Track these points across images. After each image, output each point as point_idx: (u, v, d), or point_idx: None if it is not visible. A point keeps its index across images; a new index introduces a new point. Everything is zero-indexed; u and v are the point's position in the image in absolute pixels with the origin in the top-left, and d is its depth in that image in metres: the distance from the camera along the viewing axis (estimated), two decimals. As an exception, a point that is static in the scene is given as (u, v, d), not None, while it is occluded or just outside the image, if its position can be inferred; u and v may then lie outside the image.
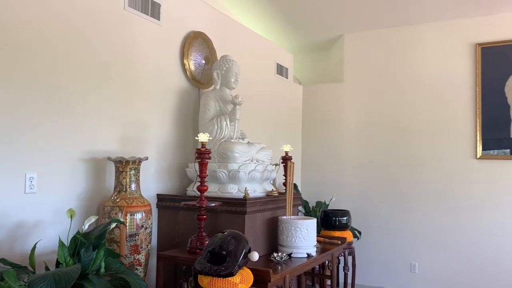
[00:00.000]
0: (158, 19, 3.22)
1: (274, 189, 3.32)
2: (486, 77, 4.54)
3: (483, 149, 4.52)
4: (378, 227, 4.94)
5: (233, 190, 3.01)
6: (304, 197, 5.16)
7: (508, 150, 4.42)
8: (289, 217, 3.08)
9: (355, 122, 5.17)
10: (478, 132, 4.54)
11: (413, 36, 4.92)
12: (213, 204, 2.74)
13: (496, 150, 4.47)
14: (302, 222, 2.95)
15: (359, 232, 4.70)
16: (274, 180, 3.79)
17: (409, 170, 4.84)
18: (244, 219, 2.81)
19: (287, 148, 3.54)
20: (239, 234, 2.32)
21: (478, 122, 4.54)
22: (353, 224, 4.71)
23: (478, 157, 4.53)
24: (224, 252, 2.21)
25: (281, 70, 4.99)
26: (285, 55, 5.14)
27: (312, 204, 5.01)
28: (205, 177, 2.72)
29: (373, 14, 4.72)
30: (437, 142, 4.73)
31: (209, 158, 2.71)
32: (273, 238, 3.10)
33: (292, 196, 3.14)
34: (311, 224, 2.98)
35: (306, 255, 2.94)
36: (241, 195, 2.94)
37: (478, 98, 4.56)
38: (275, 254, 2.83)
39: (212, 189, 3.02)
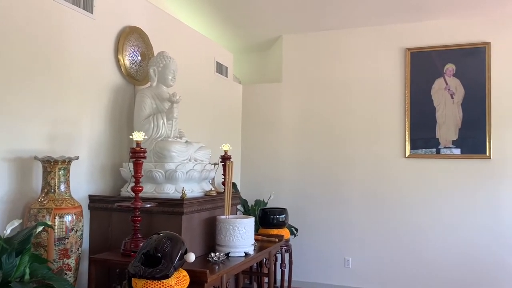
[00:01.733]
0: (91, 12, 3.08)
1: (213, 189, 3.30)
2: (414, 80, 4.80)
3: (412, 148, 4.78)
4: (314, 224, 5.07)
5: (170, 191, 2.94)
6: (244, 195, 5.17)
7: (434, 149, 4.70)
8: (227, 216, 3.07)
9: (293, 122, 5.27)
10: (407, 132, 4.80)
11: (348, 40, 5.09)
12: (148, 205, 2.66)
13: (423, 149, 4.74)
14: (240, 221, 2.95)
15: (296, 229, 4.80)
16: (213, 179, 3.77)
17: (344, 169, 5.02)
18: (181, 219, 2.77)
19: (226, 147, 3.52)
20: (175, 236, 2.27)
21: (407, 123, 4.80)
22: (290, 221, 4.78)
23: (407, 156, 4.79)
24: (159, 254, 2.16)
25: (220, 69, 4.97)
26: (225, 54, 5.12)
27: (251, 202, 5.04)
28: (140, 177, 2.64)
29: (311, 17, 4.83)
30: (369, 141, 4.94)
31: (144, 157, 2.63)
32: (211, 238, 3.08)
33: (230, 196, 3.13)
34: (249, 223, 2.99)
35: (243, 254, 2.95)
36: (178, 195, 2.89)
37: (407, 100, 4.81)
38: (212, 254, 2.81)
39: (148, 190, 2.94)
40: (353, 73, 5.06)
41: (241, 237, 2.92)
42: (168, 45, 3.80)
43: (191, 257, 2.22)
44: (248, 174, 5.41)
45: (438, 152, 4.69)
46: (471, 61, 4.61)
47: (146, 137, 2.85)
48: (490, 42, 4.53)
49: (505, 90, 4.48)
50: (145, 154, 2.67)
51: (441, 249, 4.61)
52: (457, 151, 4.62)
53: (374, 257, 4.84)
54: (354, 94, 5.03)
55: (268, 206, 4.93)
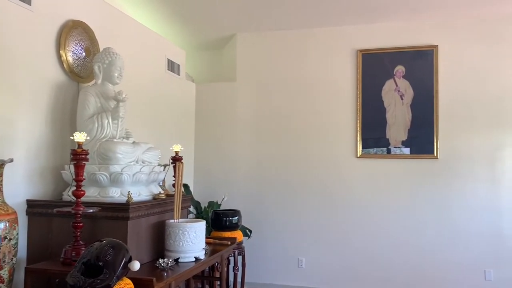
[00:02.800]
0: (29, 3, 2.87)
1: (162, 192, 3.17)
2: (366, 81, 4.87)
3: (363, 148, 4.85)
4: (269, 225, 5.04)
5: (115, 194, 2.79)
6: (197, 197, 5.06)
7: (384, 149, 4.79)
8: (177, 220, 2.95)
9: (248, 122, 5.21)
10: (358, 133, 4.85)
11: (302, 40, 5.09)
12: (91, 211, 2.51)
13: (374, 149, 4.82)
14: (190, 225, 2.85)
15: (250, 231, 4.75)
16: (163, 181, 3.63)
17: (298, 169, 5.02)
18: (126, 225, 2.63)
19: (177, 148, 3.40)
20: (119, 243, 2.14)
21: (358, 123, 4.86)
22: (245, 222, 4.74)
23: (358, 156, 4.85)
24: (100, 263, 2.03)
25: (172, 67, 4.82)
26: (177, 51, 4.98)
27: (204, 204, 4.94)
28: (82, 181, 2.48)
29: (265, 16, 4.78)
30: (323, 141, 4.97)
31: (86, 159, 2.47)
32: (160, 243, 2.95)
33: (180, 198, 3.02)
34: (200, 227, 2.90)
35: (194, 259, 2.85)
36: (124, 199, 2.74)
37: (358, 101, 4.87)
38: (160, 260, 2.69)
39: (92, 194, 2.78)
40: (307, 73, 5.06)
41: (191, 241, 2.82)
42: (115, 41, 3.63)
43: (136, 265, 2.10)
44: (201, 175, 5.30)
45: (388, 152, 4.78)
46: (420, 63, 4.73)
47: (88, 138, 2.68)
48: (437, 45, 4.67)
49: (452, 92, 4.63)
50: (88, 156, 2.51)
51: (392, 249, 4.71)
52: (406, 151, 4.72)
53: (327, 257, 4.87)
54: (308, 94, 5.04)
55: (222, 207, 4.84)
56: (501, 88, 4.51)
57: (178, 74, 4.96)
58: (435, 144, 4.63)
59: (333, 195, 4.91)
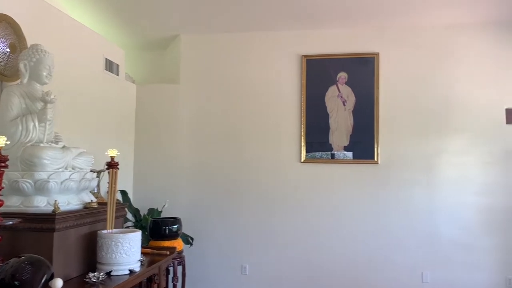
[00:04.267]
0: None
1: (95, 200, 2.96)
2: (310, 86, 4.89)
3: (307, 153, 4.86)
4: (212, 231, 4.92)
5: (41, 204, 2.55)
6: (136, 204, 4.84)
7: (328, 155, 4.82)
8: (110, 231, 2.77)
9: (191, 125, 5.07)
10: (302, 138, 4.86)
11: (247, 43, 5.04)
12: (10, 222, 2.27)
13: (318, 154, 4.84)
14: (124, 236, 2.67)
15: (192, 239, 4.60)
16: (97, 189, 3.41)
17: (242, 174, 4.94)
18: (52, 237, 2.41)
19: (112, 152, 3.19)
20: (38, 259, 1.95)
21: (302, 129, 4.86)
22: (188, 229, 4.60)
23: (302, 160, 4.85)
24: (16, 283, 1.83)
25: (110, 66, 4.58)
26: (115, 50, 4.74)
27: (144, 212, 4.73)
28: (0, 190, 2.24)
29: (210, 17, 4.67)
30: (267, 146, 4.93)
31: (5, 166, 2.23)
32: (92, 256, 2.75)
33: (114, 207, 2.83)
34: (135, 237, 2.73)
35: (128, 272, 2.67)
36: (50, 209, 2.52)
37: (303, 106, 4.88)
38: (91, 274, 2.49)
39: (14, 203, 2.52)
40: (251, 77, 5.01)
41: (125, 253, 2.64)
42: (46, 38, 3.37)
43: (58, 283, 1.91)
44: (142, 181, 5.08)
45: (331, 157, 4.82)
46: (362, 70, 4.81)
47: (9, 142, 2.43)
48: (379, 53, 4.77)
49: (391, 99, 4.75)
50: (10, 162, 2.27)
51: (334, 253, 4.74)
52: (348, 156, 4.78)
53: (272, 263, 4.83)
54: (253, 98, 4.99)
55: (163, 214, 4.66)
56: (438, 96, 4.68)
57: (117, 75, 4.73)
58: (375, 149, 4.72)
59: (277, 200, 4.87)
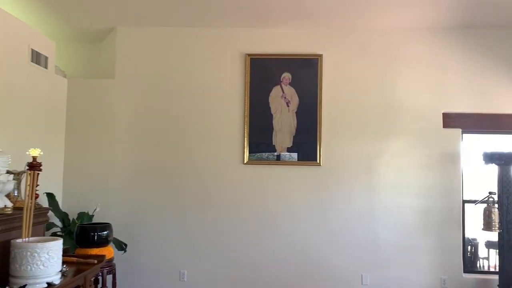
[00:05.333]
0: None
1: (9, 205, 2.64)
2: (254, 86, 4.76)
3: (250, 154, 4.72)
4: (148, 236, 4.66)
5: None
6: (65, 208, 4.48)
7: (270, 156, 4.72)
8: (26, 239, 2.47)
9: (127, 123, 4.78)
10: (246, 139, 4.72)
11: (188, 39, 4.82)
12: None
13: (261, 155, 4.72)
14: (42, 245, 2.39)
15: (125, 245, 4.31)
16: (17, 192, 3.07)
17: (181, 176, 4.72)
18: (-48, 248, 2.09)
19: (34, 152, 2.88)
20: None
21: (246, 129, 4.73)
22: (122, 235, 4.33)
23: (245, 162, 4.71)
24: None
25: (38, 58, 4.20)
26: (44, 42, 4.35)
27: (74, 216, 4.38)
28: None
29: (149, 10, 4.41)
30: (208, 147, 4.74)
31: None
32: (5, 268, 2.43)
33: (31, 213, 2.53)
34: (54, 246, 2.44)
35: (46, 285, 2.39)
36: (-48, 215, 2.19)
37: (246, 106, 4.74)
38: (0, 290, 2.20)
39: None
40: (192, 74, 4.80)
41: (42, 264, 2.36)
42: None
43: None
44: (72, 183, 4.71)
45: (274, 158, 4.72)
46: (306, 71, 4.76)
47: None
48: (322, 54, 4.74)
49: (334, 101, 4.72)
50: None
51: (276, 255, 4.64)
52: (291, 158, 4.71)
53: (212, 268, 4.64)
54: (194, 96, 4.78)
55: (95, 219, 4.34)
56: (379, 98, 4.72)
57: (46, 67, 4.34)
58: (318, 151, 4.68)
59: (218, 203, 4.70)
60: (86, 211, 4.40)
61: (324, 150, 4.68)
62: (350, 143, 4.70)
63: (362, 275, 4.60)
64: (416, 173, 4.66)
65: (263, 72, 4.77)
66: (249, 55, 4.77)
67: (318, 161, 4.67)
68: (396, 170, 4.67)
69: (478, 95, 4.67)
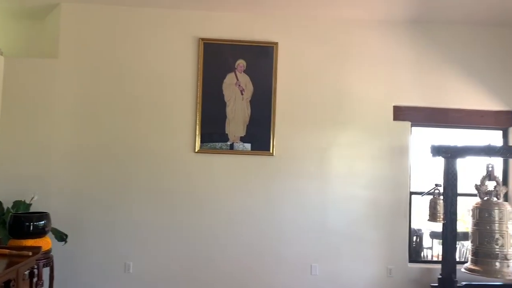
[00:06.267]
0: None
1: None
2: (207, 72, 4.61)
3: (202, 143, 4.58)
4: (92, 227, 4.43)
5: None
6: (0, 196, 4.15)
7: (223, 145, 4.60)
8: None
9: (70, 107, 4.49)
10: (197, 126, 4.57)
11: (138, 19, 4.59)
12: None
13: (213, 145, 4.59)
14: (-35, 235, 2.15)
15: (66, 235, 4.05)
16: None
17: (128, 163, 4.51)
18: None
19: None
20: None
21: (198, 117, 4.57)
22: (63, 225, 4.09)
23: (196, 151, 4.57)
24: None
25: (-31, 32, 3.83)
26: (-23, 14, 3.98)
27: (8, 204, 4.05)
28: None
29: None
30: (158, 134, 4.56)
31: None
32: None
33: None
34: (-20, 237, 2.21)
35: (-30, 280, 2.16)
36: None
37: (199, 93, 4.59)
38: None
39: None
40: (143, 57, 4.58)
41: (-35, 257, 2.13)
42: None
43: None
44: (7, 169, 4.37)
45: (227, 147, 4.60)
46: (261, 59, 4.66)
47: None
48: (277, 43, 4.66)
49: (288, 91, 4.67)
50: None
51: (225, 246, 4.55)
52: (244, 147, 4.61)
53: (160, 259, 4.48)
54: (143, 80, 4.57)
55: (32, 208, 4.05)
56: (333, 89, 4.71)
57: (-22, 43, 3.97)
58: (271, 141, 4.61)
59: (168, 192, 4.53)
60: (22, 200, 4.09)
61: (278, 140, 4.63)
62: (304, 134, 4.67)
63: (311, 266, 4.61)
64: (367, 164, 4.71)
65: (217, 58, 4.63)
66: (202, 39, 4.61)
67: (271, 151, 4.61)
68: (348, 161, 4.70)
69: (427, 90, 4.78)
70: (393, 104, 4.75)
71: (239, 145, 4.60)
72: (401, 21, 4.75)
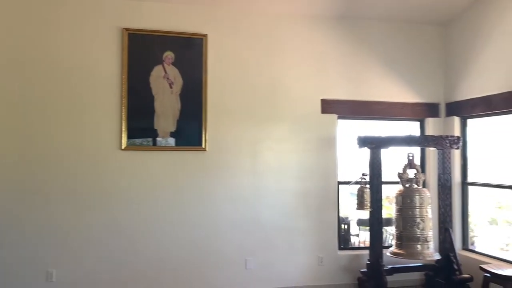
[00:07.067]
0: None
1: None
2: (133, 64, 4.37)
3: (129, 139, 4.34)
4: (9, 234, 4.02)
5: None
6: None
7: (152, 141, 4.40)
8: None
9: (-24, 103, 4.01)
10: (123, 122, 4.32)
11: (55, 5, 4.22)
12: None
13: (141, 140, 4.37)
14: None
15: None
16: None
17: (50, 165, 4.16)
18: None
19: None
20: None
21: (123, 112, 4.32)
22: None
23: (123, 148, 4.32)
24: None
25: None
26: None
27: None
28: None
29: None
30: (80, 131, 4.25)
31: None
32: None
33: None
34: None
35: None
36: None
37: (124, 87, 4.33)
38: None
39: None
40: (61, 46, 4.22)
41: None
42: None
43: None
44: None
45: (156, 143, 4.41)
46: (190, 52, 4.52)
47: None
48: (207, 35, 4.54)
49: (219, 84, 4.58)
50: None
51: (157, 245, 4.39)
52: (175, 143, 4.45)
53: (86, 266, 4.19)
54: (62, 71, 4.22)
55: None
56: (264, 83, 4.71)
57: None
58: (203, 136, 4.50)
59: (92, 193, 4.25)
60: None
61: (209, 134, 4.53)
62: (236, 128, 4.62)
63: (246, 260, 4.60)
64: (297, 157, 4.79)
65: (143, 49, 4.40)
66: (127, 29, 4.35)
67: (203, 146, 4.50)
68: (279, 154, 4.74)
69: (352, 83, 4.96)
70: (321, 98, 4.87)
71: (169, 141, 4.43)
72: (328, 17, 4.86)
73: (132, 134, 4.35)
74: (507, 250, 4.84)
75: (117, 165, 4.32)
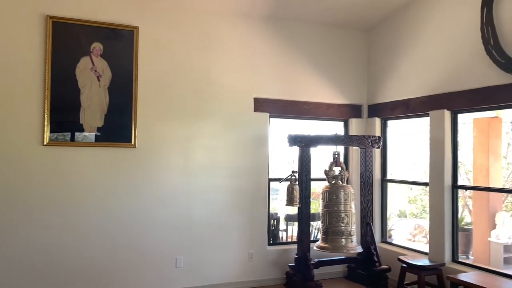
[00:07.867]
0: None
1: None
2: (57, 55, 4.11)
3: (52, 133, 4.08)
4: None
5: None
6: None
7: (78, 136, 4.18)
8: None
9: None
10: (46, 116, 4.05)
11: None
12: None
13: (66, 136, 4.13)
14: None
15: None
16: None
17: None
18: None
19: None
20: None
21: (47, 105, 4.06)
22: None
23: (45, 143, 4.06)
24: None
25: None
26: None
27: None
28: None
29: None
30: (-3, 125, 3.91)
31: None
32: None
33: None
34: None
35: None
36: None
37: (47, 78, 4.07)
38: None
39: None
40: (-26, 34, 3.85)
41: None
42: None
43: None
44: None
45: (82, 139, 4.19)
46: (120, 44, 4.35)
47: None
48: (138, 27, 4.40)
49: (151, 79, 4.46)
50: None
51: (84, 244, 4.18)
52: (102, 138, 4.26)
53: (3, 266, 3.88)
54: (-25, 61, 3.85)
55: None
56: (196, 80, 4.66)
57: None
58: (133, 131, 4.37)
59: (11, 192, 3.93)
60: None
61: (140, 130, 4.40)
62: (167, 124, 4.54)
63: (176, 258, 4.55)
64: (229, 154, 4.82)
65: (69, 39, 4.16)
66: (51, 17, 4.08)
67: (133, 143, 4.36)
68: (211, 152, 4.74)
69: (283, 83, 5.09)
70: (254, 96, 4.93)
71: (97, 136, 4.24)
72: (259, 17, 4.93)
73: (55, 128, 4.10)
74: (414, 241, 5.29)
75: (38, 162, 4.04)
